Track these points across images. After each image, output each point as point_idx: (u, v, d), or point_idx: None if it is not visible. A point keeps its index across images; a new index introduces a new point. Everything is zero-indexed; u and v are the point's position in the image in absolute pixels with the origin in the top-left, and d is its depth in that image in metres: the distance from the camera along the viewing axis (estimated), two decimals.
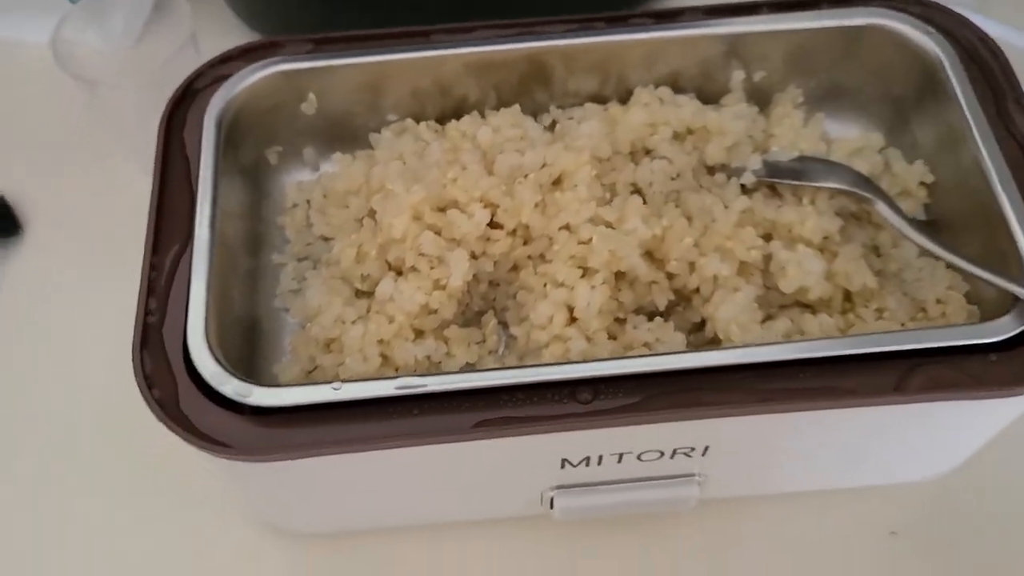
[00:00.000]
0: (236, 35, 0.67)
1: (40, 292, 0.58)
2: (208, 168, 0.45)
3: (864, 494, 0.50)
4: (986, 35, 0.48)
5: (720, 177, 0.47)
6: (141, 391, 0.39)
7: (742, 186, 0.47)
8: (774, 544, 0.49)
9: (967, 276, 0.45)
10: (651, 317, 0.45)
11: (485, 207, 0.44)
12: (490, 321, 0.46)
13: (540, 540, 0.49)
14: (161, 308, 0.41)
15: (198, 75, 0.48)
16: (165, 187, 0.45)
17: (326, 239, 0.49)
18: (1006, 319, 0.39)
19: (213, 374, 0.39)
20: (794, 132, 0.49)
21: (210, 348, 0.39)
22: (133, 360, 0.40)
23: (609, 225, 0.44)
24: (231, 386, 0.39)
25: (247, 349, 0.46)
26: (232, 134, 0.47)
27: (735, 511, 0.49)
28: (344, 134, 0.51)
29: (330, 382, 0.39)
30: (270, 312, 0.48)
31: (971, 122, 0.44)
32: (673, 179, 0.47)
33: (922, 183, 0.48)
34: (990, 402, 0.40)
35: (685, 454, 0.42)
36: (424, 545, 0.49)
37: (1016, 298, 0.40)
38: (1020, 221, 0.41)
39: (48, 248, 0.60)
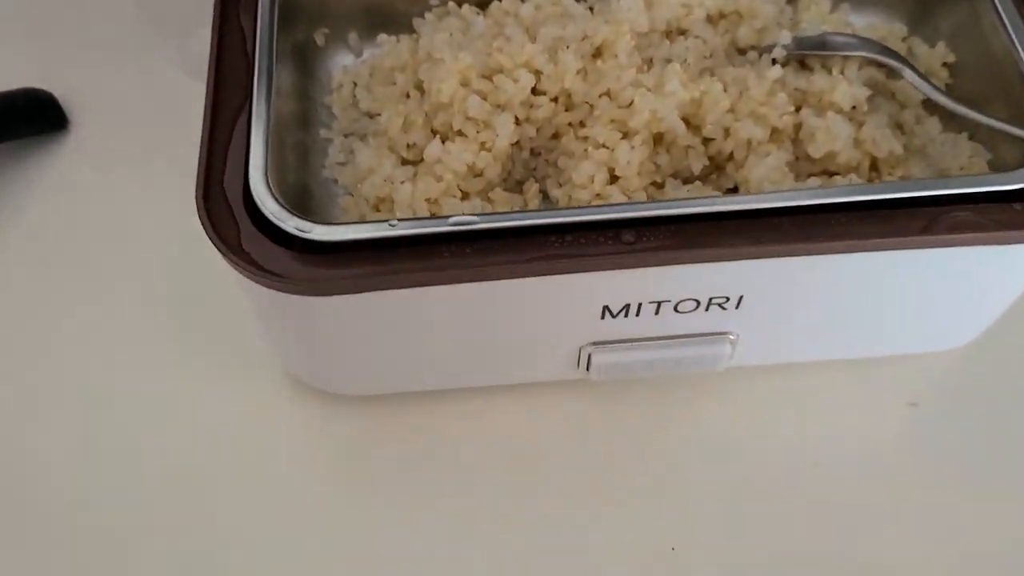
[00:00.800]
0: None
1: (87, 187, 0.60)
2: (264, 41, 0.47)
3: (886, 364, 0.52)
4: None
5: (752, 55, 0.50)
6: (206, 231, 0.41)
7: (773, 60, 0.49)
8: (796, 413, 0.51)
9: (989, 143, 0.47)
10: (687, 182, 0.48)
11: (530, 73, 0.46)
12: (532, 186, 0.48)
13: (578, 405, 0.51)
14: (221, 160, 0.43)
15: None
16: (223, 53, 0.47)
17: (372, 116, 0.51)
18: None
19: (274, 212, 0.41)
20: (821, 17, 0.51)
21: (270, 190, 0.41)
22: (197, 203, 0.42)
23: (649, 89, 0.46)
24: (293, 223, 0.40)
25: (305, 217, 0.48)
26: (285, 12, 0.49)
27: (761, 380, 0.52)
28: (388, 19, 0.53)
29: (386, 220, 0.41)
30: (320, 182, 0.50)
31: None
32: (706, 58, 0.49)
33: (944, 64, 0.50)
34: (1012, 255, 0.42)
35: (720, 306, 0.44)
36: (461, 411, 0.51)
37: None
38: None
39: (94, 144, 0.62)
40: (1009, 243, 0.41)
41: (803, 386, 0.52)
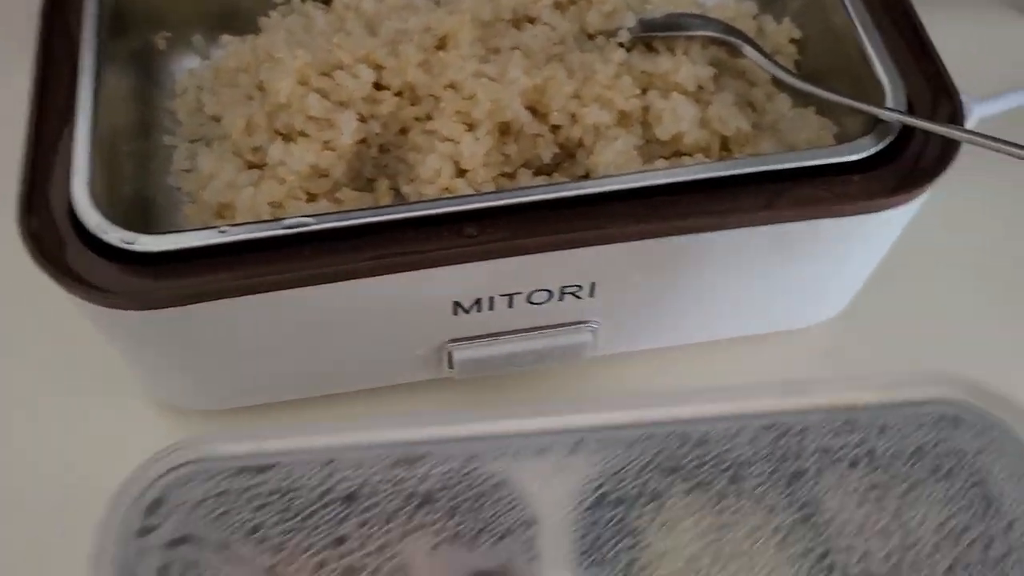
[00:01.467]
0: None
1: None
2: (90, 48, 0.44)
3: (754, 344, 0.52)
4: None
5: (600, 40, 0.49)
6: (27, 247, 0.39)
7: (620, 44, 0.48)
8: None
9: (836, 117, 0.47)
10: (539, 172, 0.47)
11: (370, 67, 0.45)
12: (383, 184, 0.47)
13: (451, 404, 0.50)
14: (45, 172, 0.41)
15: None
16: (48, 67, 0.44)
17: (217, 119, 0.49)
18: (865, 139, 0.42)
19: (97, 224, 0.39)
20: (667, 2, 0.50)
21: (94, 201, 0.39)
22: (19, 221, 0.40)
23: (492, 79, 0.45)
24: (116, 234, 0.39)
25: (141, 226, 0.46)
26: (117, 18, 0.47)
27: (628, 366, 0.51)
28: (232, 18, 0.51)
29: (216, 226, 0.39)
30: (164, 191, 0.48)
31: None
32: (556, 44, 0.49)
33: (791, 40, 0.50)
34: (858, 225, 0.42)
35: (574, 295, 0.44)
36: (334, 415, 0.50)
37: (875, 123, 0.42)
38: (881, 61, 0.44)
39: None
40: (850, 215, 0.41)
41: (672, 367, 0.51)
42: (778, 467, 0.35)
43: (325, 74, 0.45)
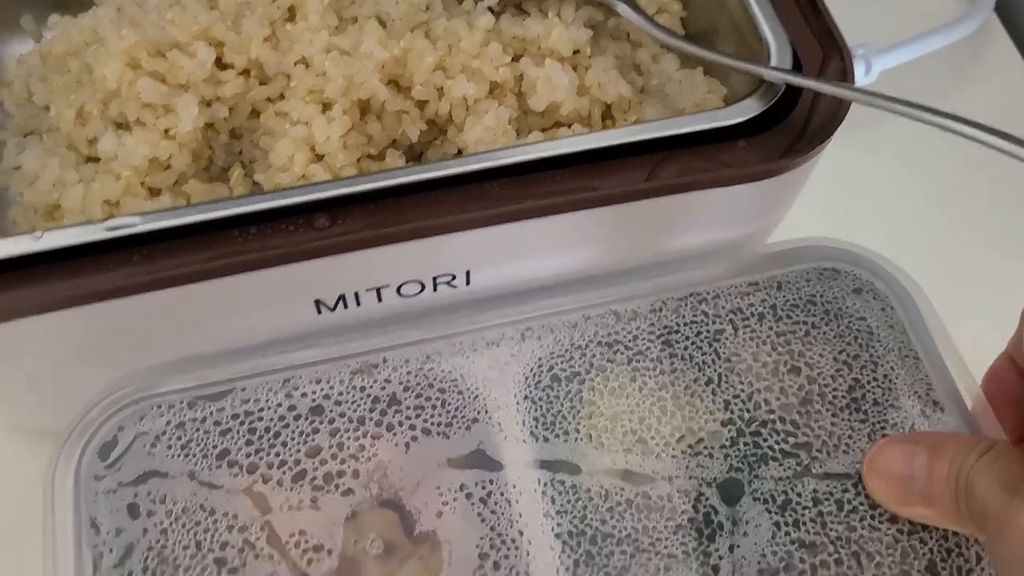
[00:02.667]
0: None
1: None
2: None
3: None
4: None
5: (468, 3, 0.45)
6: None
7: (489, 9, 0.44)
8: None
9: (724, 78, 0.44)
10: (408, 153, 0.43)
11: (209, 45, 0.41)
12: (236, 172, 0.42)
13: None
14: None
15: None
16: None
17: (48, 109, 0.44)
18: (749, 101, 0.38)
19: None
20: None
21: None
22: None
23: (345, 53, 0.41)
24: None
25: None
26: None
27: None
28: None
29: (31, 232, 0.35)
30: None
31: None
32: (423, 11, 0.45)
33: None
34: (749, 192, 0.39)
35: (448, 284, 0.40)
36: None
37: (761, 83, 0.39)
38: (764, 16, 0.41)
39: None
40: (738, 183, 0.38)
41: None
42: (701, 329, 0.40)
43: (160, 54, 0.41)
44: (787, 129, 0.39)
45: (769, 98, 0.38)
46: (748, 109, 0.38)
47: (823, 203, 0.50)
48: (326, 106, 0.41)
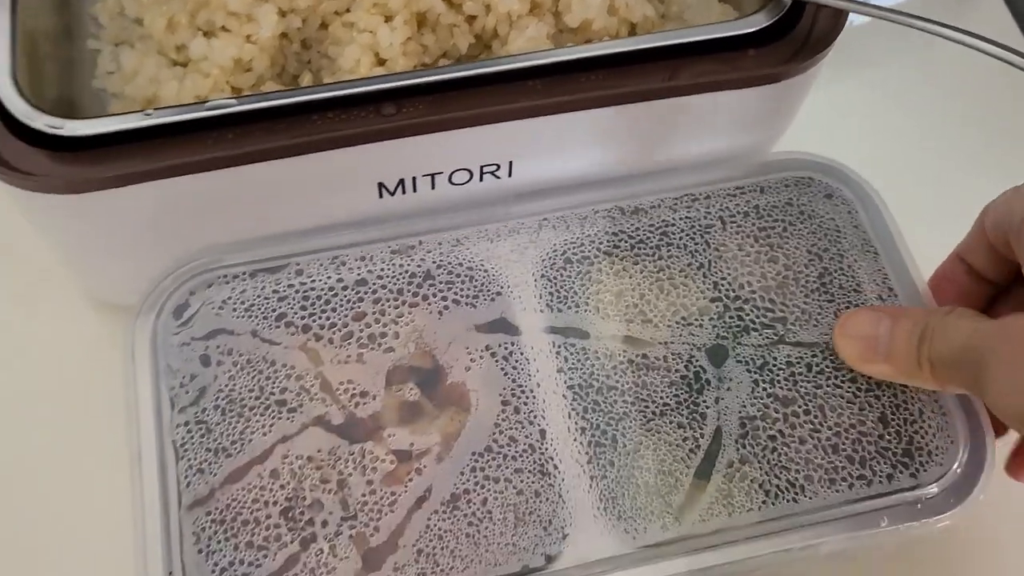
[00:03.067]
0: None
1: None
2: None
3: None
4: None
5: None
6: None
7: None
8: None
9: (737, 4, 0.50)
10: (456, 63, 0.49)
11: None
12: (306, 77, 0.48)
13: None
14: None
15: None
16: None
17: (140, 21, 0.50)
18: (759, 15, 0.44)
19: (24, 112, 0.40)
20: None
21: (18, 88, 0.40)
22: None
23: None
24: (43, 120, 0.40)
25: None
26: None
27: None
28: None
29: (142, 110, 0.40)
30: (90, 93, 0.49)
31: None
32: None
33: None
34: (760, 96, 0.45)
35: (493, 174, 0.46)
36: None
37: (768, 1, 0.45)
38: None
39: None
40: (747, 86, 0.44)
41: None
42: (694, 223, 0.47)
43: None
44: (792, 40, 0.44)
45: (776, 12, 0.44)
46: (757, 21, 0.44)
47: (814, 126, 0.56)
48: (388, 18, 0.46)
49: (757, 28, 0.44)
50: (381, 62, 0.46)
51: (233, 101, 0.41)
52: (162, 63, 0.47)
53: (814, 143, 0.50)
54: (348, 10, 0.48)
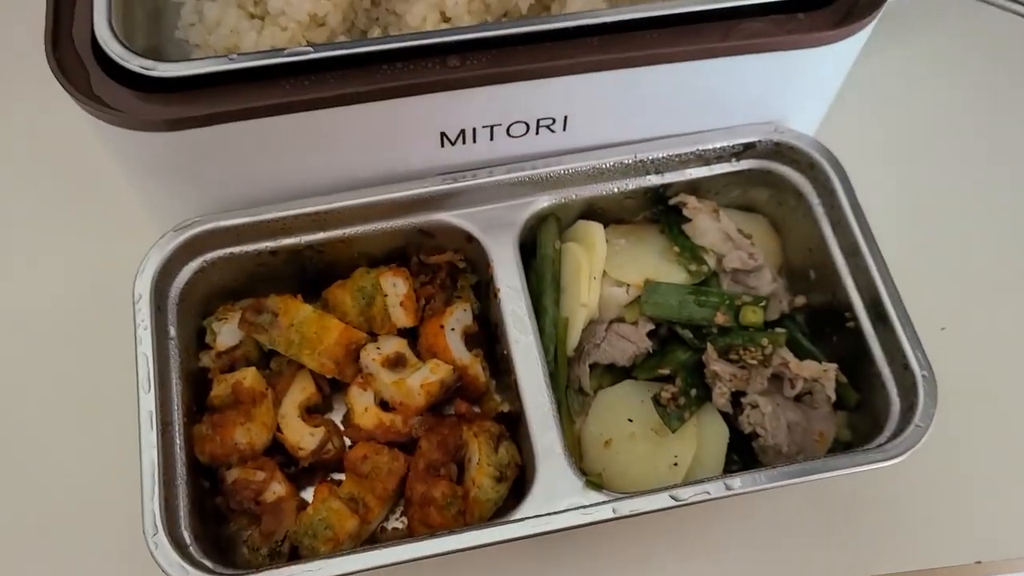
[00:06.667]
0: None
1: None
2: None
3: None
4: None
5: None
6: (57, 78, 0.43)
7: None
8: None
9: None
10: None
11: None
12: (375, 33, 0.51)
13: None
14: (69, 11, 0.45)
15: None
16: None
17: None
18: None
19: (119, 54, 0.43)
20: None
21: (115, 34, 0.44)
22: (46, 53, 0.44)
23: None
24: (137, 62, 0.43)
25: None
26: None
27: None
28: None
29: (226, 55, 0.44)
30: (174, 43, 0.52)
31: None
32: None
33: None
34: (806, 57, 0.47)
35: (548, 128, 0.48)
36: None
37: None
38: None
39: None
40: (795, 47, 0.46)
41: None
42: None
43: None
44: (839, 7, 0.46)
45: None
46: None
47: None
48: None
49: None
50: (446, 19, 0.49)
51: (309, 49, 0.43)
52: (241, 15, 0.50)
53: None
54: None
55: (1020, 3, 0.39)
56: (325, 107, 0.44)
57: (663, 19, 0.45)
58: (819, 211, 0.50)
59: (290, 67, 0.44)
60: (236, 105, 0.43)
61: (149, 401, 0.44)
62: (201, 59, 0.44)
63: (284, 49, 0.44)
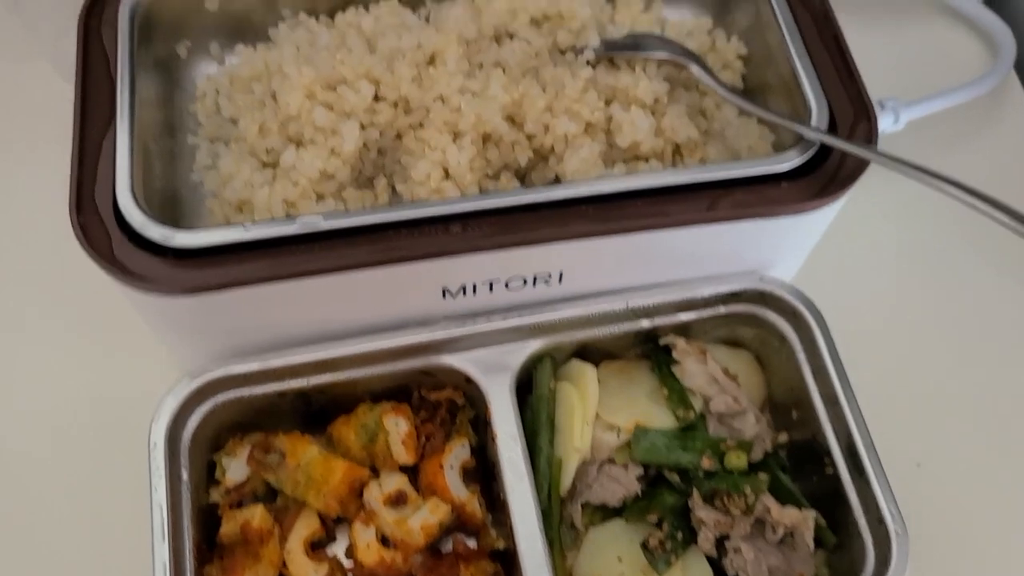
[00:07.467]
0: None
1: None
2: (125, 58, 0.51)
3: None
4: None
5: (570, 56, 0.56)
6: (80, 243, 0.46)
7: (587, 62, 0.55)
8: None
9: (772, 128, 0.54)
10: (516, 173, 0.54)
11: (370, 83, 0.52)
12: (381, 182, 0.54)
13: None
14: (91, 174, 0.48)
15: None
16: (88, 77, 0.51)
17: (234, 121, 0.56)
18: (791, 152, 0.49)
19: (141, 222, 0.46)
20: (632, 18, 0.57)
21: (136, 202, 0.46)
22: (71, 220, 0.46)
23: (475, 94, 0.52)
24: (156, 231, 0.46)
25: (170, 218, 0.53)
26: (144, 29, 0.53)
27: None
28: (245, 29, 0.58)
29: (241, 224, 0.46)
30: (189, 186, 0.55)
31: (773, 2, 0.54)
32: (533, 58, 0.55)
33: (739, 56, 0.57)
34: (788, 222, 0.50)
35: (544, 281, 0.51)
36: None
37: (801, 137, 0.49)
38: (808, 80, 0.51)
39: None
40: (778, 216, 0.49)
41: None
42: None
43: (330, 87, 0.52)
44: (821, 176, 0.49)
45: (808, 151, 0.49)
46: (791, 158, 0.48)
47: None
48: (457, 135, 0.52)
49: (791, 166, 0.48)
50: (448, 176, 0.52)
51: (320, 220, 0.46)
52: (254, 165, 0.53)
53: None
54: (421, 124, 0.53)
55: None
56: (334, 273, 0.46)
57: (654, 191, 0.48)
58: (801, 357, 0.53)
59: (301, 236, 0.46)
60: (250, 274, 0.46)
61: (163, 551, 0.46)
62: (216, 228, 0.46)
63: (296, 218, 0.46)
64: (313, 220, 0.46)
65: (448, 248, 0.47)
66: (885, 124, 0.61)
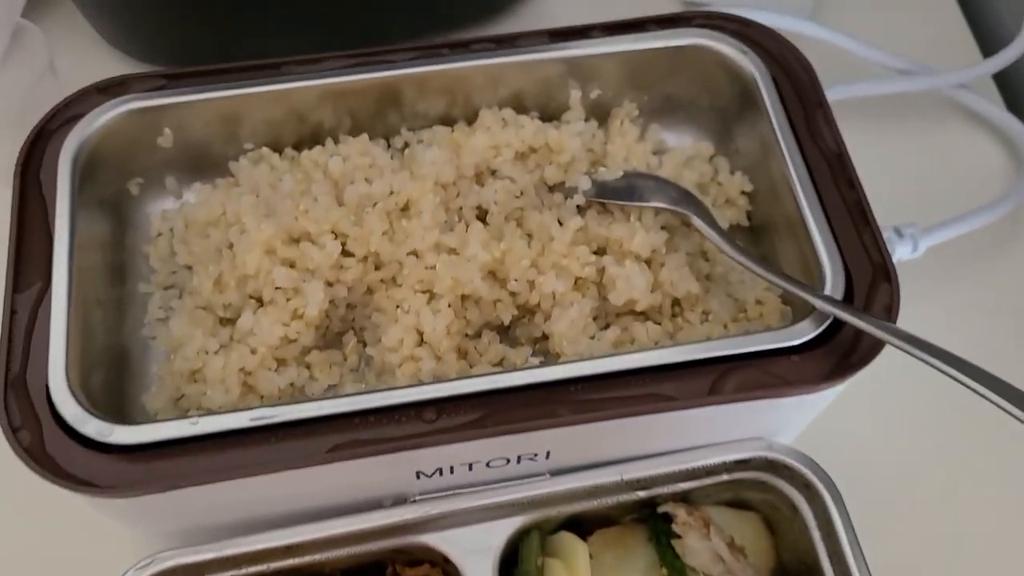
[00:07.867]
0: (98, 53, 0.68)
1: None
2: (64, 208, 0.46)
3: None
4: (799, 52, 0.52)
5: (558, 197, 0.51)
6: (6, 437, 0.41)
7: (577, 206, 0.50)
8: None
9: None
10: (499, 331, 0.49)
11: (336, 238, 0.47)
12: (350, 341, 0.49)
13: None
14: (24, 352, 0.43)
15: (51, 116, 0.49)
16: (23, 228, 0.46)
17: (190, 268, 0.51)
18: (804, 324, 0.44)
19: (75, 415, 0.41)
20: (627, 148, 0.52)
21: (71, 391, 0.41)
22: None
23: (452, 251, 0.47)
24: (92, 426, 0.41)
25: (117, 378, 0.48)
26: (89, 171, 0.48)
27: None
28: (204, 163, 0.53)
29: (188, 416, 0.41)
30: (139, 341, 0.50)
31: (779, 136, 0.48)
32: (517, 197, 0.50)
33: (743, 192, 0.52)
34: (798, 399, 0.45)
35: (530, 459, 0.46)
36: None
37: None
38: (820, 234, 0.46)
39: None
40: (788, 395, 0.44)
41: None
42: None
43: (293, 241, 0.47)
44: (835, 348, 0.44)
45: (820, 322, 0.44)
46: (803, 332, 0.43)
47: None
48: (432, 296, 0.47)
49: (802, 341, 0.43)
50: (423, 342, 0.47)
51: (276, 412, 0.41)
52: (209, 325, 0.48)
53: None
54: (394, 279, 0.48)
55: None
56: (291, 468, 0.42)
57: (649, 369, 0.43)
58: (816, 535, 0.48)
59: (256, 428, 0.41)
60: (199, 474, 0.41)
61: None
62: (160, 422, 0.41)
63: (247, 410, 0.41)
64: (267, 412, 0.41)
65: (422, 440, 0.42)
66: (903, 253, 0.56)
